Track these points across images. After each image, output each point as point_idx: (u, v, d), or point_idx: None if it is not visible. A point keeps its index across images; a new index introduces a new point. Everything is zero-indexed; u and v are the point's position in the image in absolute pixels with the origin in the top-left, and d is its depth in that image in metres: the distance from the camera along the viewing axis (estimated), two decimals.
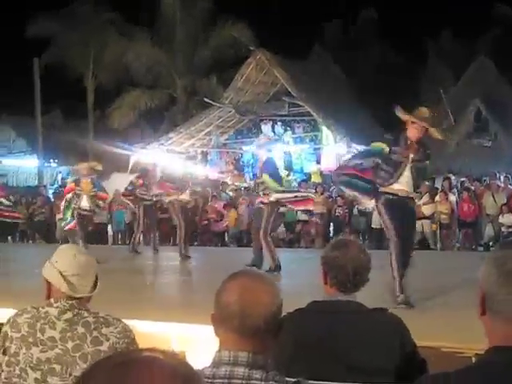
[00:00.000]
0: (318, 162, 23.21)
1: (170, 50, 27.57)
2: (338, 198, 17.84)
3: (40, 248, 18.05)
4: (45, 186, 25.86)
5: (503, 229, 15.24)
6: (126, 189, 14.07)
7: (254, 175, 10.17)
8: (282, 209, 10.81)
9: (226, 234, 18.11)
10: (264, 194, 9.38)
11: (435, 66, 28.74)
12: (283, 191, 9.59)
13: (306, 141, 23.90)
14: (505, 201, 15.50)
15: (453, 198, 16.05)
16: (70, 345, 2.68)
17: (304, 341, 2.78)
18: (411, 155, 6.70)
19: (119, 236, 20.06)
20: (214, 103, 23.52)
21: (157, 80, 28.46)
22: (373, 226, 16.47)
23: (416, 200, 6.84)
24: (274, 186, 9.35)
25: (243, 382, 1.90)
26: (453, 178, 18.17)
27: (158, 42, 27.44)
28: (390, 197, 6.78)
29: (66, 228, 12.70)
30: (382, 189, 6.80)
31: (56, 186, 27.27)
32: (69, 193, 12.57)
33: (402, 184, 6.74)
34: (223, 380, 1.91)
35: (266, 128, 23.76)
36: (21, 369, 2.68)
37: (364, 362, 2.72)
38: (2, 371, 2.73)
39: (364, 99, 24.47)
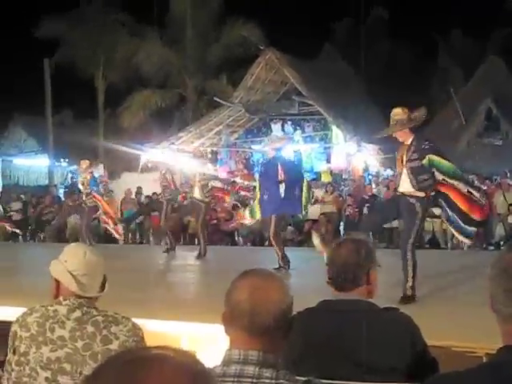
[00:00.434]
0: (328, 161, 23.17)
1: (180, 49, 27.59)
2: (348, 197, 17.82)
3: (50, 247, 18.14)
4: (55, 186, 25.95)
5: None
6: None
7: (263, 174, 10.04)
8: None
9: (236, 234, 18.12)
10: None
11: (445, 65, 28.66)
12: None
13: (315, 140, 23.87)
14: None
15: None
16: (79, 344, 2.68)
17: (314, 340, 2.78)
18: (404, 157, 6.84)
19: (129, 235, 20.11)
20: (224, 102, 23.52)
21: (167, 79, 28.48)
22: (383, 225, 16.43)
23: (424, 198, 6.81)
24: None
25: (253, 380, 1.91)
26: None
27: (168, 41, 27.46)
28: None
29: None
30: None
31: (66, 185, 27.39)
32: None
33: (403, 186, 6.91)
34: (233, 378, 1.92)
35: (275, 127, 23.75)
36: (31, 368, 2.69)
37: (374, 361, 2.71)
38: (12, 370, 2.74)
39: (374, 98, 24.42)
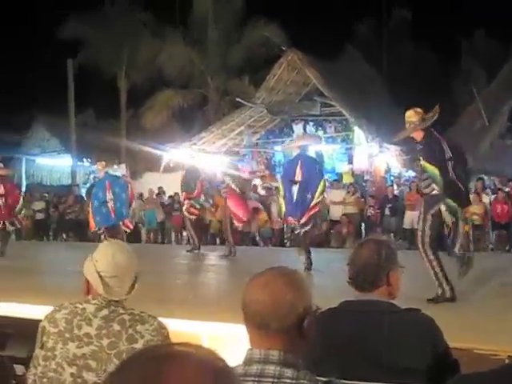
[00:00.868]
0: (350, 162, 23.13)
1: (202, 50, 27.65)
2: (370, 199, 17.78)
3: (73, 246, 18.27)
4: (77, 185, 26.13)
5: None
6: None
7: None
8: None
9: (256, 234, 18.12)
10: None
11: (468, 65, 28.44)
12: None
13: (337, 141, 23.82)
14: None
15: (486, 198, 15.88)
16: (105, 342, 2.70)
17: (335, 340, 2.78)
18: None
19: (151, 235, 20.22)
20: (245, 103, 23.53)
21: (189, 80, 28.55)
22: (404, 226, 16.38)
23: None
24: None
25: (274, 380, 1.91)
26: (486, 178, 17.97)
27: (190, 42, 27.53)
28: None
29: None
30: None
31: (89, 184, 27.56)
32: None
33: None
34: (254, 378, 1.92)
35: (297, 128, 23.74)
36: (57, 363, 2.71)
37: (395, 362, 2.71)
38: (39, 365, 2.76)
39: (396, 99, 24.29)
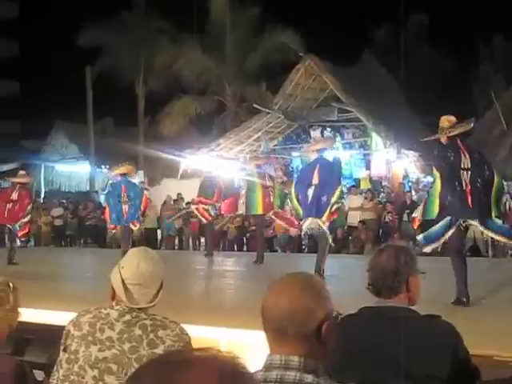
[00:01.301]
0: (368, 168, 23.06)
1: (219, 56, 27.71)
2: (388, 204, 17.71)
3: (91, 252, 18.36)
4: (96, 192, 26.27)
5: None
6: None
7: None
8: None
9: (274, 240, 18.12)
10: None
11: (487, 70, 28.31)
12: None
13: (355, 146, 23.76)
14: None
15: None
16: (126, 346, 2.72)
17: (354, 346, 2.77)
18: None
19: (169, 241, 20.27)
20: (263, 109, 23.54)
21: (207, 86, 28.63)
22: None
23: None
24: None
25: None
26: (505, 183, 17.82)
27: (207, 49, 27.59)
28: None
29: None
30: None
31: (107, 190, 27.64)
32: None
33: None
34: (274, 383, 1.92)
35: (315, 134, 23.71)
36: (79, 366, 2.73)
37: (415, 369, 2.70)
38: (61, 368, 2.78)
39: (414, 104, 24.23)
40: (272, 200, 12.01)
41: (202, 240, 18.15)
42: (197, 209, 13.43)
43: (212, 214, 13.45)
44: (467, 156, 6.90)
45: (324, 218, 9.16)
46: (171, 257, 14.59)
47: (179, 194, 21.24)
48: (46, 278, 10.00)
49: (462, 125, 7.11)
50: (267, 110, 23.34)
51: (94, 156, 27.45)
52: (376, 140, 22.07)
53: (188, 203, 19.99)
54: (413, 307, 2.91)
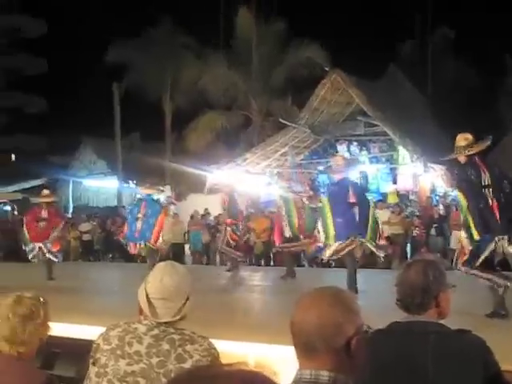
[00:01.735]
0: (395, 182, 22.95)
1: (245, 72, 27.84)
2: (415, 219, 17.60)
3: (119, 267, 18.45)
4: (124, 207, 26.44)
5: None
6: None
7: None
8: None
9: (301, 255, 18.03)
10: None
11: None
12: None
13: (381, 160, 23.67)
14: None
15: None
16: (154, 360, 2.72)
17: (383, 362, 2.75)
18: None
19: (196, 256, 20.31)
20: (289, 124, 23.56)
21: (233, 101, 28.76)
22: (451, 246, 16.16)
23: None
24: None
25: None
26: None
27: (233, 64, 27.75)
28: None
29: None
30: None
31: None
32: None
33: None
34: None
35: (341, 148, 23.67)
36: (108, 380, 2.74)
37: None
38: (90, 381, 2.79)
39: (440, 118, 24.09)
40: (303, 222, 12.02)
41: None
42: (230, 236, 13.51)
43: (238, 233, 13.56)
44: (487, 173, 6.93)
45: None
46: (198, 271, 14.62)
47: (206, 209, 21.30)
48: (74, 292, 10.06)
49: (479, 144, 7.16)
50: (293, 125, 23.35)
51: (121, 171, 27.65)
52: (403, 154, 21.98)
53: (215, 218, 20.04)
54: (442, 321, 2.89)
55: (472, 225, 7.10)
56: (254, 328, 6.58)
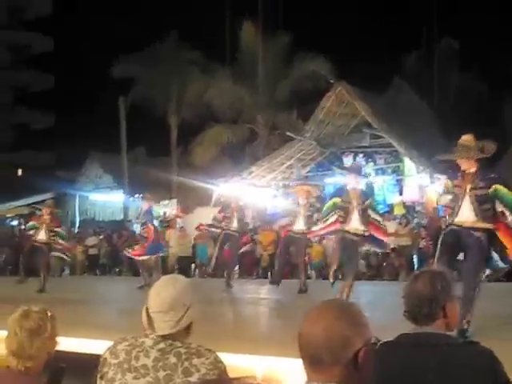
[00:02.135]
0: (401, 194, 22.93)
1: (251, 85, 27.90)
2: (422, 230, 17.55)
3: (125, 281, 18.45)
4: (129, 221, 26.46)
5: None
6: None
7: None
8: None
9: (308, 267, 18.00)
10: None
11: None
12: None
13: (387, 172, 23.67)
14: None
15: None
16: (161, 374, 2.71)
17: (391, 374, 2.74)
18: (468, 185, 6.89)
19: (203, 269, 20.27)
20: (295, 136, 23.59)
21: (238, 115, 28.79)
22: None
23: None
24: None
25: None
26: None
27: (239, 78, 27.82)
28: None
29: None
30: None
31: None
32: None
33: (463, 216, 7.01)
34: None
35: (347, 160, 23.69)
36: None
37: None
38: None
39: (446, 129, 24.05)
40: None
41: (236, 268, 18.10)
42: None
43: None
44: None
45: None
46: (204, 284, 14.61)
47: None
48: (80, 305, 10.06)
49: (488, 146, 7.05)
50: (299, 138, 23.38)
51: (127, 185, 27.70)
52: (409, 165, 21.98)
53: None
54: (450, 333, 2.88)
55: None
56: (261, 341, 6.56)
